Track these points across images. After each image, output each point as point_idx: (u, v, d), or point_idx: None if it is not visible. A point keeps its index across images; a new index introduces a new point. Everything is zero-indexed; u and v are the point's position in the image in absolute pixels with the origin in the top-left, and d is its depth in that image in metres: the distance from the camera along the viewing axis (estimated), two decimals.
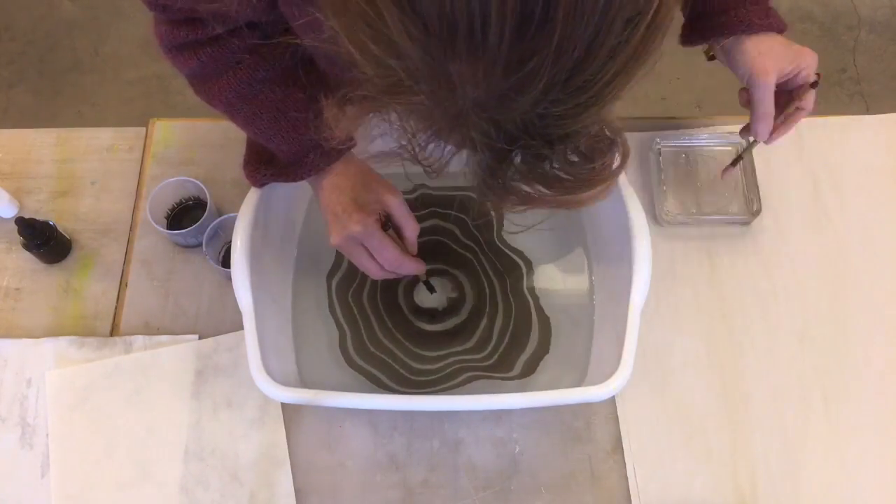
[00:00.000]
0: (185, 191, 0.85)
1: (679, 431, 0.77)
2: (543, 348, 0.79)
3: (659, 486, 0.75)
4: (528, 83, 0.34)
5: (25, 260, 0.85)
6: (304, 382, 0.76)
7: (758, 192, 0.85)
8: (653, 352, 0.80)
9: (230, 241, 0.70)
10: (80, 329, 0.82)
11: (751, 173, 0.86)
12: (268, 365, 0.65)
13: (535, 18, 0.31)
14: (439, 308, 0.81)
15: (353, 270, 0.83)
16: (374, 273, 0.68)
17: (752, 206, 0.85)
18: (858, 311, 0.82)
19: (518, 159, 0.40)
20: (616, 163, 0.42)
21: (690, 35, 0.74)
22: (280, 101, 0.64)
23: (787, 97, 0.72)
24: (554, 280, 0.82)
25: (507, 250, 0.83)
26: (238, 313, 0.68)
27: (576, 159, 0.40)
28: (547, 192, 0.42)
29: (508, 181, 0.41)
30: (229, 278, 0.69)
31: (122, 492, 0.74)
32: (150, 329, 0.82)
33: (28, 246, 0.82)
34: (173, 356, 0.80)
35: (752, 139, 0.75)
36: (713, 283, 0.83)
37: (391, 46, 0.34)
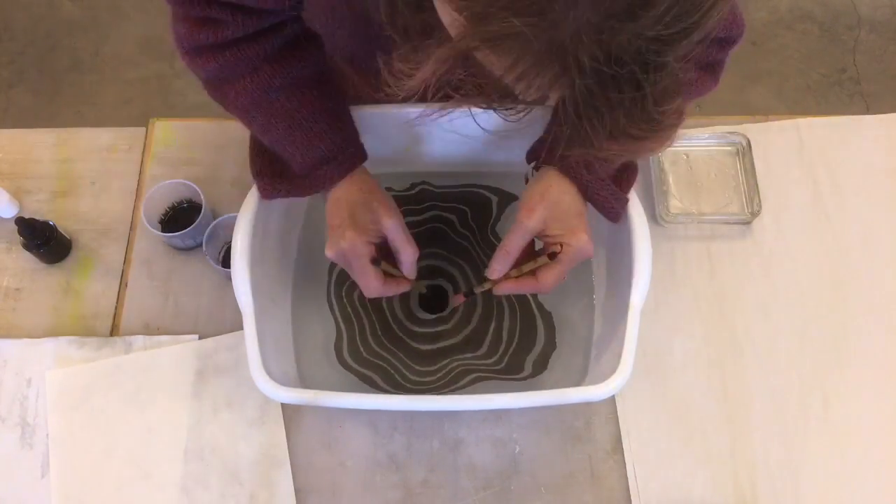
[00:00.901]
0: (180, 193, 0.85)
1: (679, 431, 0.77)
2: (550, 345, 0.79)
3: (659, 486, 0.75)
4: (648, 4, 0.33)
5: (25, 260, 0.85)
6: (303, 382, 0.76)
7: (758, 192, 0.85)
8: (653, 352, 0.80)
9: (230, 241, 0.70)
10: (80, 329, 0.82)
11: (751, 173, 0.86)
12: (268, 365, 0.65)
13: None
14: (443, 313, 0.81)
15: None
16: (363, 292, 0.67)
17: (752, 206, 0.85)
18: (858, 311, 0.82)
19: (612, 93, 0.37)
20: (681, 112, 0.41)
21: (538, 151, 0.68)
22: (295, 110, 0.64)
23: (533, 257, 0.66)
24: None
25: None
26: (238, 313, 0.68)
27: (662, 95, 0.39)
28: (632, 129, 0.40)
29: (594, 119, 0.39)
30: (229, 278, 0.69)
31: (122, 492, 0.74)
32: (150, 329, 0.82)
33: (28, 246, 0.82)
34: (173, 356, 0.80)
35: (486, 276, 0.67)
36: (713, 283, 0.83)
37: None
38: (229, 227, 0.73)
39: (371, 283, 0.66)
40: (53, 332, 0.81)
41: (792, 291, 0.83)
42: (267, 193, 0.69)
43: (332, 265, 0.83)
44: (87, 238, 0.87)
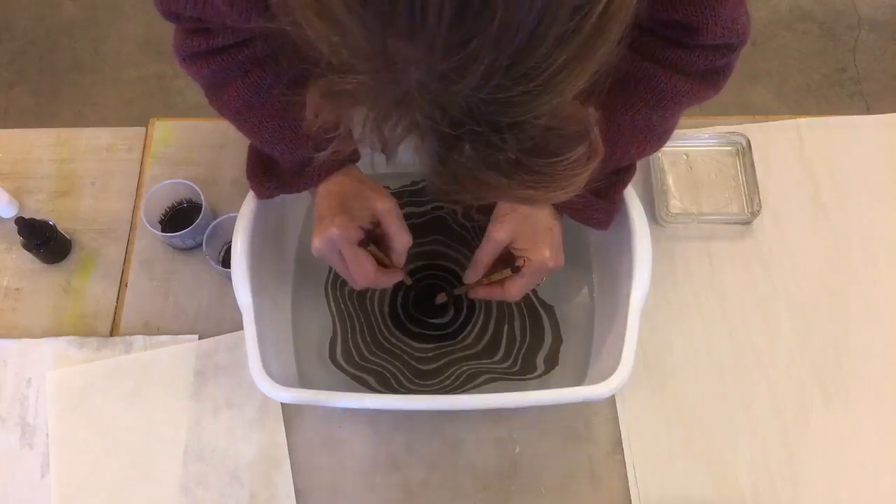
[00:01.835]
0: (180, 193, 0.85)
1: (679, 431, 0.77)
2: (557, 340, 0.79)
3: (659, 486, 0.74)
4: (469, 66, 0.32)
5: (25, 260, 0.85)
6: (304, 382, 0.76)
7: (758, 192, 0.85)
8: (653, 352, 0.80)
9: (230, 242, 0.70)
10: (80, 329, 0.82)
11: (751, 173, 0.86)
12: (268, 365, 0.65)
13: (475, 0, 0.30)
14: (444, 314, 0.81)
15: None
16: (353, 283, 0.66)
17: (752, 206, 0.85)
18: (858, 311, 0.82)
19: (468, 147, 0.38)
20: (583, 161, 0.40)
21: None
22: (283, 110, 0.64)
23: (502, 266, 0.68)
24: (554, 279, 0.82)
25: None
26: (238, 313, 0.68)
27: (533, 151, 0.38)
28: (506, 181, 0.40)
29: (459, 170, 0.39)
30: (229, 278, 0.69)
31: (122, 492, 0.74)
32: (150, 329, 0.82)
33: (28, 246, 0.82)
34: (173, 356, 0.80)
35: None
36: (713, 283, 0.83)
37: (333, 21, 0.33)
38: (229, 227, 0.73)
39: (363, 268, 0.64)
40: (53, 332, 0.81)
41: (792, 291, 0.83)
42: (260, 193, 0.70)
43: (329, 274, 0.83)
44: (87, 238, 0.87)
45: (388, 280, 0.68)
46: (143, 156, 0.91)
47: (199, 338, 0.81)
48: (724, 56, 0.60)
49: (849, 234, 0.86)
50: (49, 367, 0.79)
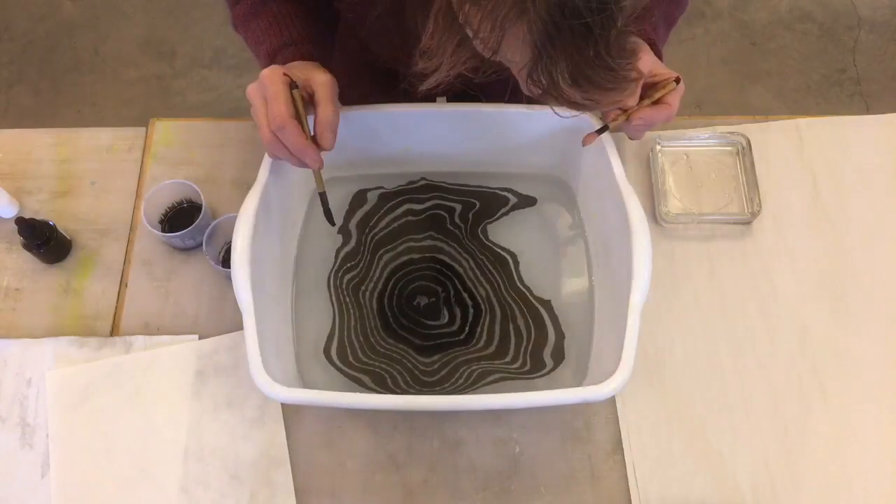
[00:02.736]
0: (180, 193, 0.85)
1: (679, 431, 0.77)
2: (560, 335, 0.79)
3: (659, 486, 0.75)
4: None
5: (25, 260, 0.85)
6: (304, 382, 0.76)
7: (758, 192, 0.85)
8: (653, 352, 0.80)
9: (230, 241, 0.70)
10: (80, 329, 0.82)
11: (751, 173, 0.86)
12: (268, 365, 0.65)
13: None
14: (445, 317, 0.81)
15: (355, 270, 0.83)
16: (262, 131, 0.64)
17: (752, 206, 0.85)
18: (858, 311, 0.82)
19: (572, 40, 0.44)
20: (637, 69, 0.47)
21: None
22: (280, 14, 0.72)
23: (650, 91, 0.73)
24: (554, 279, 0.82)
25: (495, 247, 0.85)
26: (238, 313, 0.68)
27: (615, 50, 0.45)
28: (598, 79, 0.46)
29: (560, 66, 0.45)
30: (229, 278, 0.69)
31: (122, 492, 0.74)
32: (150, 329, 0.82)
33: (28, 246, 0.82)
34: (173, 356, 0.80)
35: (612, 120, 0.71)
36: (713, 283, 0.83)
37: None
38: (229, 227, 0.73)
39: (279, 107, 0.62)
40: (53, 332, 0.81)
41: (792, 291, 0.83)
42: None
43: (334, 264, 0.83)
44: (87, 238, 0.87)
45: (301, 142, 0.63)
46: (143, 156, 0.91)
47: (199, 338, 0.81)
48: None
49: (849, 234, 0.86)
50: (49, 367, 0.79)
